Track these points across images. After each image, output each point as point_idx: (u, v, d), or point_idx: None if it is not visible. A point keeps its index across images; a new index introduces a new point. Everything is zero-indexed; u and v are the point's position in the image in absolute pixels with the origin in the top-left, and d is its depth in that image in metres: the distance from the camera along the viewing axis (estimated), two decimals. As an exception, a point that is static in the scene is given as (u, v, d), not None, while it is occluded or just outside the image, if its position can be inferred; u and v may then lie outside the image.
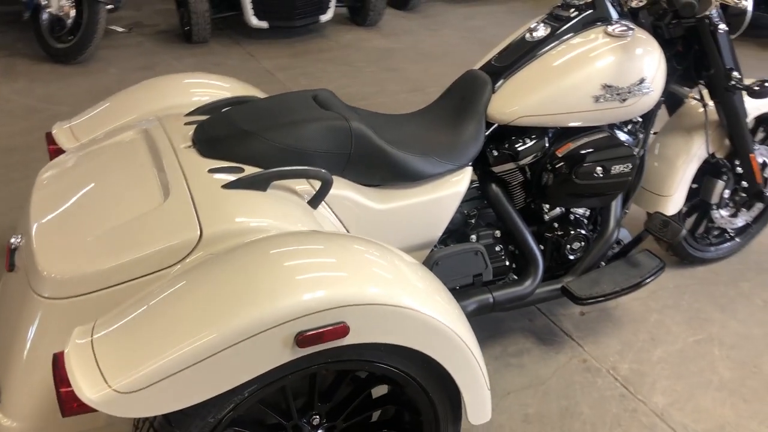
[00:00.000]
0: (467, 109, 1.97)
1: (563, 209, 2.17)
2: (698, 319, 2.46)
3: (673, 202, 2.41)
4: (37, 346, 1.46)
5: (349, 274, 1.32)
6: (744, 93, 2.23)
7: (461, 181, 1.93)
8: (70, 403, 1.23)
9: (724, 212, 2.60)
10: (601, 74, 1.95)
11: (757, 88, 2.12)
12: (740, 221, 2.66)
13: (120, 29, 5.44)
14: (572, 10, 2.05)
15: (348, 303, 1.28)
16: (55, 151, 2.06)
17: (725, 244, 2.71)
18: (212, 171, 1.63)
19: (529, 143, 2.01)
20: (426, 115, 2.01)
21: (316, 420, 1.49)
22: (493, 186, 2.07)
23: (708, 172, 2.48)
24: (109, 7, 4.66)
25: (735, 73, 2.17)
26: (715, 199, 2.49)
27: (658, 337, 2.37)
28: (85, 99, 4.25)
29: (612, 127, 2.12)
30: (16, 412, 1.48)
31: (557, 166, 2.02)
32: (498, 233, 2.11)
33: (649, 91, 2.02)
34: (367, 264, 1.37)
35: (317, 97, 1.86)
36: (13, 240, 1.68)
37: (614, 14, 2.06)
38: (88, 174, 1.73)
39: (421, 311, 1.35)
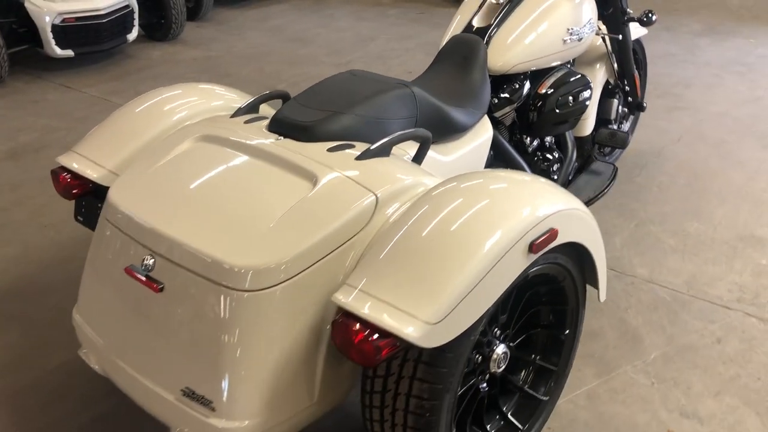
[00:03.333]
0: (472, 65, 2.28)
1: (539, 140, 2.60)
2: (626, 210, 3.07)
3: (589, 124, 2.96)
4: (251, 340, 1.47)
5: (540, 192, 1.59)
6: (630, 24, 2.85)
7: (488, 127, 2.25)
8: (374, 355, 1.33)
9: (615, 126, 3.24)
10: (565, 20, 2.40)
11: (645, 18, 2.74)
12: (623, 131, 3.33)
13: None
14: None
15: (553, 211, 1.55)
16: (71, 185, 1.96)
17: (615, 152, 3.38)
18: (331, 150, 1.75)
19: (520, 87, 2.39)
20: (440, 75, 2.27)
21: (497, 332, 1.74)
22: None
23: (604, 94, 3.09)
24: None
25: (629, 9, 2.77)
26: (613, 115, 3.11)
27: (609, 231, 2.92)
28: None
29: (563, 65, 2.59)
30: (242, 411, 1.49)
31: (541, 102, 2.43)
32: (502, 170, 2.47)
33: (593, 29, 2.52)
34: (540, 183, 1.65)
35: (355, 75, 2.04)
36: (146, 263, 1.63)
37: None
38: (187, 183, 1.70)
39: (581, 209, 1.67)
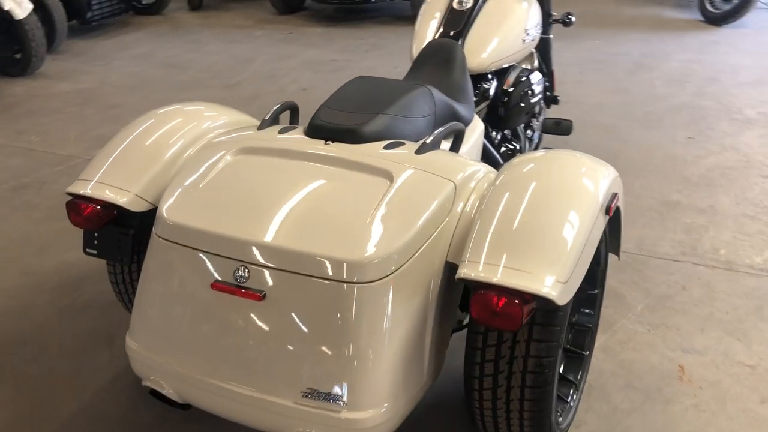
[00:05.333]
0: (454, 66, 2.45)
1: (501, 133, 2.84)
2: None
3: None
4: (371, 330, 1.51)
5: (591, 162, 1.78)
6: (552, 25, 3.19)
7: (479, 121, 2.43)
8: (520, 317, 1.45)
9: (540, 117, 3.57)
10: (523, 21, 2.66)
11: (567, 20, 3.10)
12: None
13: None
14: None
15: (613, 177, 1.77)
16: (97, 213, 1.87)
17: (531, 140, 3.71)
18: (387, 148, 1.83)
19: (491, 84, 2.62)
20: (429, 76, 2.41)
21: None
22: (466, 124, 2.61)
23: (528, 89, 3.41)
24: None
25: (553, 12, 3.11)
26: (538, 109, 3.44)
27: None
28: None
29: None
30: (371, 401, 1.53)
31: (508, 97, 2.66)
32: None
33: (540, 29, 2.81)
34: (584, 156, 1.84)
35: (365, 79, 2.13)
36: (239, 274, 1.61)
37: None
38: (253, 193, 1.69)
39: (618, 176, 1.92)
